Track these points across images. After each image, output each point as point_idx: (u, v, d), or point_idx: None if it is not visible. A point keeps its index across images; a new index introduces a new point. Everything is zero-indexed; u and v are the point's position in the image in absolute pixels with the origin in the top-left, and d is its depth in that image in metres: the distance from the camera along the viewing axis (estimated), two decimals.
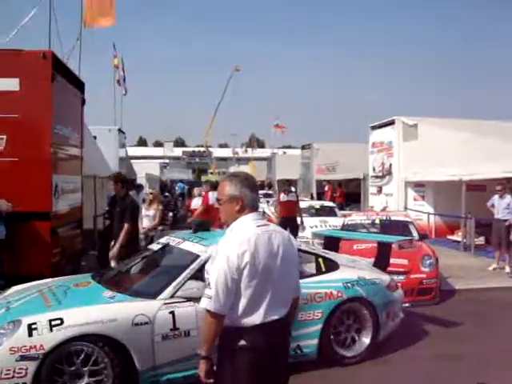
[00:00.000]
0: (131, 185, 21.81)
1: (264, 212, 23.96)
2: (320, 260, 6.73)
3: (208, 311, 3.02)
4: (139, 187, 17.82)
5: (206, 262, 5.37)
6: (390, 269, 8.84)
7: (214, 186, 12.51)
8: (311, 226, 15.48)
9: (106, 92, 38.84)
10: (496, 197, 12.19)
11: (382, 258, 7.42)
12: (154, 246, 6.79)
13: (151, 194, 12.18)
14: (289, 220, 12.52)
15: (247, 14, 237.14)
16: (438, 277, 9.32)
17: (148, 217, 11.10)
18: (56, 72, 8.83)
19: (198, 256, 5.65)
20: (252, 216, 3.23)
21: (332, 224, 14.61)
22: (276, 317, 3.13)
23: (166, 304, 5.20)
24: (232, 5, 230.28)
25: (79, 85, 11.01)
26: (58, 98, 8.98)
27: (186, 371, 5.12)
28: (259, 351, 3.05)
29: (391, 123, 19.85)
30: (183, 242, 6.20)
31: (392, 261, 8.97)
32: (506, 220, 11.76)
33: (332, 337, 6.07)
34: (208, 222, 7.05)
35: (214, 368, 3.13)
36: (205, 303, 3.03)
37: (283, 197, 13.52)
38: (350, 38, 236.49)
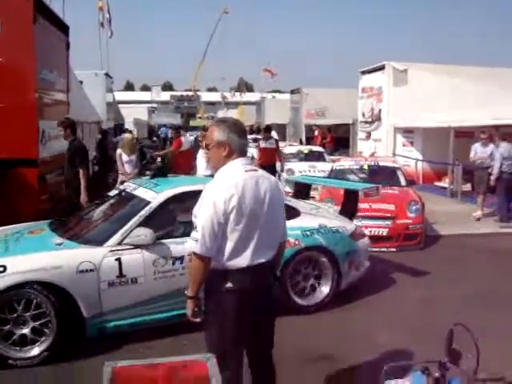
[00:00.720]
0: (119, 129, 21.72)
1: (253, 157, 23.98)
2: None
3: (194, 254, 3.09)
4: (126, 132, 17.70)
5: (156, 209, 5.47)
6: (376, 214, 9.06)
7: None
8: (300, 170, 15.51)
9: (92, 36, 37.97)
10: (477, 145, 11.95)
11: (348, 206, 7.26)
12: (112, 193, 6.69)
13: (133, 138, 11.98)
14: (266, 167, 12.08)
15: None
16: (424, 222, 9.47)
17: (131, 162, 10.92)
18: (38, 14, 8.58)
19: (148, 202, 5.55)
20: (240, 161, 3.24)
21: (321, 169, 14.61)
22: (262, 260, 3.20)
23: (112, 251, 5.14)
24: None
25: (63, 28, 10.72)
26: (41, 40, 8.74)
27: (132, 318, 5.16)
28: (245, 293, 3.13)
29: (381, 68, 19.65)
30: (138, 188, 6.08)
31: (379, 206, 9.19)
32: (488, 167, 11.60)
33: (289, 286, 5.99)
34: (165, 167, 7.01)
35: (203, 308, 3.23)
36: (191, 245, 3.10)
37: (261, 143, 13.65)
38: None
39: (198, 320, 3.24)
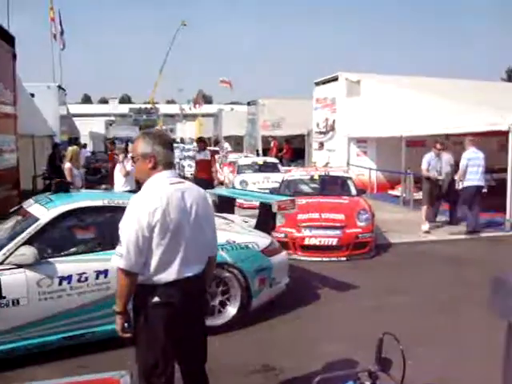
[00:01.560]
0: (73, 143, 21.41)
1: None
2: None
3: (120, 269, 3.05)
4: (79, 145, 17.46)
5: (45, 226, 5.15)
6: (326, 224, 9.14)
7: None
8: (254, 182, 15.62)
9: (46, 48, 37.43)
10: (431, 155, 11.66)
11: (264, 219, 6.99)
12: (13, 209, 6.36)
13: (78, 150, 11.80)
14: (201, 180, 11.55)
15: None
16: (374, 231, 9.56)
17: (80, 175, 10.74)
18: None
19: (37, 219, 5.23)
20: (166, 173, 3.22)
21: (275, 180, 14.70)
22: (190, 274, 3.16)
23: None
24: None
25: (8, 39, 10.52)
26: None
27: (13, 343, 4.84)
28: (173, 308, 3.09)
29: (335, 79, 19.88)
30: (33, 204, 5.76)
31: (328, 216, 9.27)
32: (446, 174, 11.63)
33: None
34: (67, 183, 6.76)
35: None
36: (116, 261, 3.06)
37: (196, 155, 13.42)
38: None
39: (128, 335, 3.19)
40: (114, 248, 3.06)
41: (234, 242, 6.03)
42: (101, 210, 5.58)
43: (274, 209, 6.61)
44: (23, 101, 12.94)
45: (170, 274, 3.09)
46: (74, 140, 23.89)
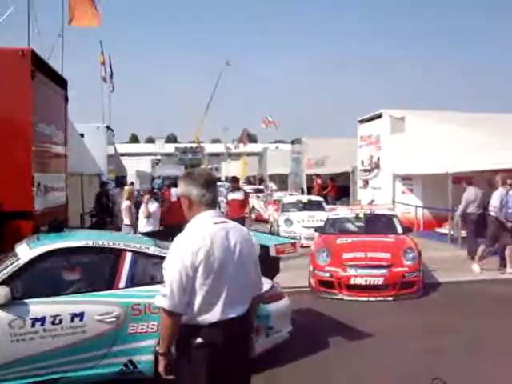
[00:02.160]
0: (121, 182, 21.92)
1: (253, 207, 24.09)
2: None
3: (163, 309, 3.04)
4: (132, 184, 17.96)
5: (24, 266, 5.08)
6: (371, 263, 9.00)
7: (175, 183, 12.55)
8: (298, 220, 15.58)
9: (95, 90, 38.69)
10: (501, 192, 10.76)
11: (265, 263, 6.49)
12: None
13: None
14: (233, 220, 11.49)
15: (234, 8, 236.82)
16: (421, 270, 9.34)
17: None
18: (36, 69, 8.78)
19: (18, 259, 5.18)
20: (209, 213, 3.23)
21: (319, 218, 14.64)
22: (234, 315, 3.13)
23: None
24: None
25: (61, 82, 10.94)
26: (39, 95, 8.92)
27: None
28: (217, 349, 3.05)
29: (379, 116, 19.84)
30: (23, 243, 5.72)
31: (374, 255, 9.13)
32: None
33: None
34: (61, 221, 6.73)
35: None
36: (159, 301, 3.06)
37: (229, 195, 13.24)
38: (340, 37, 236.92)
39: (171, 377, 3.15)
40: (93, 290, 2.91)
41: None
42: (82, 251, 5.53)
43: (272, 253, 6.21)
44: (73, 141, 13.34)
45: (213, 315, 3.07)
46: (121, 179, 24.40)
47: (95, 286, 5.32)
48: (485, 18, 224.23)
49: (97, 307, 5.04)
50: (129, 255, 5.44)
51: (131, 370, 5.13)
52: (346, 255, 9.24)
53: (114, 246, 5.53)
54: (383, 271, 8.91)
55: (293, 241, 6.72)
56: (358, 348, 6.54)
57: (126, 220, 11.39)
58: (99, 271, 5.65)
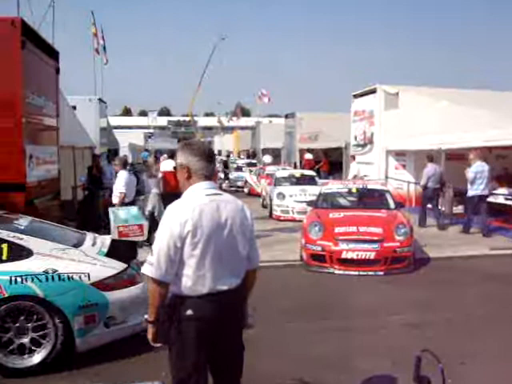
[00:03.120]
0: (113, 155, 21.78)
1: (246, 181, 24.09)
2: (3, 246, 5.31)
3: (150, 278, 3.06)
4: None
5: None
6: (363, 237, 9.04)
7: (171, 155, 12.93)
8: (291, 194, 15.60)
9: (88, 62, 38.29)
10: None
11: (120, 245, 5.91)
12: None
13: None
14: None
15: None
16: (412, 245, 9.40)
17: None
18: (26, 39, 8.64)
19: None
20: (203, 184, 3.21)
21: (312, 193, 14.62)
22: (225, 287, 3.13)
23: None
24: None
25: (53, 53, 10.79)
26: (30, 66, 8.80)
27: None
28: (206, 321, 3.06)
29: (373, 92, 19.71)
30: None
31: (366, 229, 9.17)
32: None
33: None
34: None
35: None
36: (146, 269, 3.08)
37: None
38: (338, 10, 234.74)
39: (159, 345, 3.20)
40: None
41: (56, 271, 5.14)
42: None
43: (114, 235, 5.85)
44: (65, 113, 13.21)
45: (203, 287, 3.07)
46: (114, 152, 24.26)
47: None
48: None
49: None
50: None
51: None
52: (337, 229, 9.27)
53: None
54: (375, 246, 8.95)
55: (141, 223, 6.08)
56: (347, 322, 6.58)
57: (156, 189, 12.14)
58: None
